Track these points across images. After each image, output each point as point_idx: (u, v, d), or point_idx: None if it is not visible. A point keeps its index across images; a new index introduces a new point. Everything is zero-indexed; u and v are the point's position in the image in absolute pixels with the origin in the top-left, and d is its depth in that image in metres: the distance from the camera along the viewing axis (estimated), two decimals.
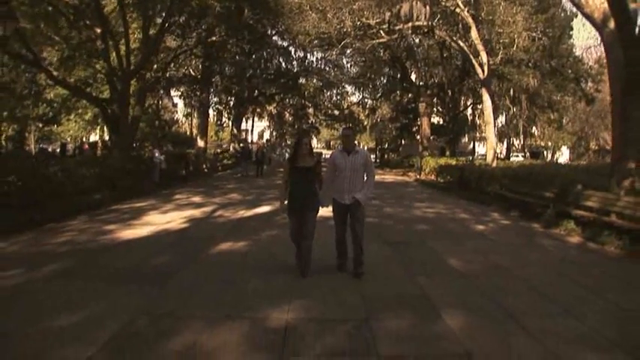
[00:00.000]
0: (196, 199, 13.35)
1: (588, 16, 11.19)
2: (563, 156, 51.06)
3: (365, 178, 5.62)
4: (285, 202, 5.60)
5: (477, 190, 15.08)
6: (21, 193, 9.89)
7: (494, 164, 19.08)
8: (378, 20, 21.47)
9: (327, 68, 35.86)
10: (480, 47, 19.75)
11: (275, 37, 30.88)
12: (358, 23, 21.63)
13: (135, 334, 3.82)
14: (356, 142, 6.48)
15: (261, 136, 65.92)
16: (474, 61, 20.81)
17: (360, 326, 4.02)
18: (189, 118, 44.78)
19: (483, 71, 20.39)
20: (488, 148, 21.53)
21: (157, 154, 18.15)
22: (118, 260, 6.26)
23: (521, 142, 49.15)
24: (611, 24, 10.30)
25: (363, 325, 4.03)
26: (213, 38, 22.99)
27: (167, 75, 24.30)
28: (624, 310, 4.71)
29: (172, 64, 24.78)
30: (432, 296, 4.89)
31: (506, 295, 4.99)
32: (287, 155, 32.92)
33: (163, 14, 20.36)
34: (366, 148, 34.72)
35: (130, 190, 13.89)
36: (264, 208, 11.41)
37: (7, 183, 9.74)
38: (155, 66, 20.96)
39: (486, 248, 7.54)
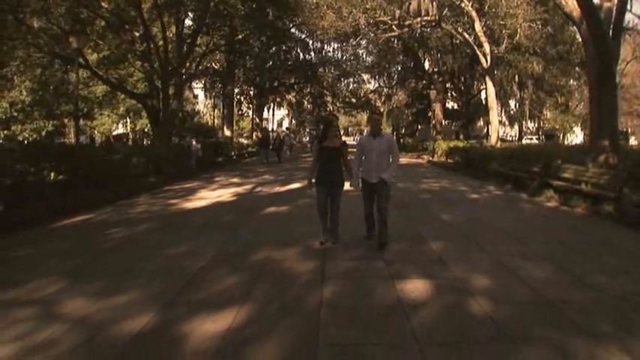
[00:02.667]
0: (235, 180, 15.49)
1: (568, 15, 12.76)
2: (578, 138, 51.57)
3: (390, 159, 6.09)
4: (313, 180, 6.30)
5: (480, 168, 16.80)
6: (94, 177, 12.05)
7: (497, 145, 20.74)
8: (389, 17, 23.08)
9: (344, 58, 37.20)
10: (484, 39, 21.22)
11: (293, 30, 32.34)
12: (371, 21, 23.22)
13: (227, 254, 5.89)
14: None
15: (280, 124, 67.69)
16: (477, 51, 22.29)
17: (372, 248, 6.09)
18: (214, 109, 46.70)
19: (487, 60, 21.90)
20: (492, 131, 23.23)
21: (194, 143, 20.28)
22: (193, 220, 8.34)
23: (535, 125, 50.05)
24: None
25: (375, 247, 6.10)
26: (239, 37, 24.85)
27: (198, 69, 26.20)
28: (563, 243, 6.57)
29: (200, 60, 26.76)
30: (424, 234, 6.94)
31: (477, 234, 7.01)
32: (307, 140, 34.51)
33: (191, 14, 22.43)
34: None
35: (175, 174, 16.01)
36: (296, 185, 13.39)
37: (74, 170, 11.75)
38: (188, 64, 23.05)
39: (474, 209, 9.51)
